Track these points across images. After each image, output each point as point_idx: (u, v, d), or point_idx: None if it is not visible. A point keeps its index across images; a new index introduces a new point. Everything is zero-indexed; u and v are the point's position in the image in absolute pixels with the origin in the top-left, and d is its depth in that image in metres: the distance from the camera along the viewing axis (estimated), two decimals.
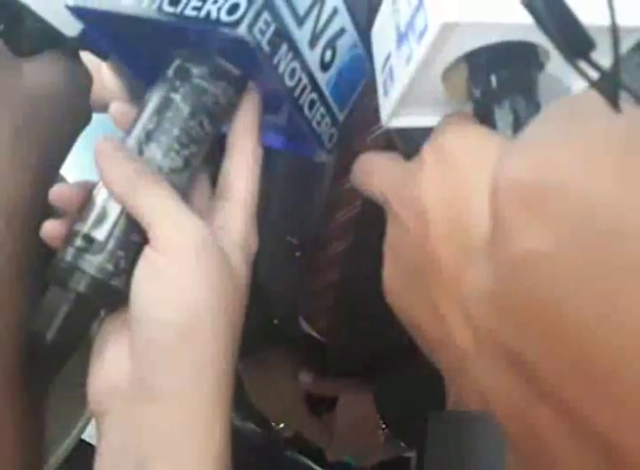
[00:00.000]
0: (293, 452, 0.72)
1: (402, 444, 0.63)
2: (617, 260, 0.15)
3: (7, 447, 0.29)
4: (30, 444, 0.31)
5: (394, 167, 0.28)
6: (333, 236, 0.52)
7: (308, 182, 0.50)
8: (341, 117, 0.35)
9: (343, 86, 0.34)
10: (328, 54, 0.32)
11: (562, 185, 0.17)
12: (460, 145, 0.25)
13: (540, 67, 0.27)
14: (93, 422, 0.45)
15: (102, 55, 0.37)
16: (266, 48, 0.29)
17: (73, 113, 0.35)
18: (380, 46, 0.30)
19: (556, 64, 0.27)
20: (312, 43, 0.31)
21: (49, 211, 0.31)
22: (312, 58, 0.31)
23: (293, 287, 0.56)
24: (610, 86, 0.19)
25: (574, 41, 0.22)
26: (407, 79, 0.27)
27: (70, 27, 0.34)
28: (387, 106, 0.30)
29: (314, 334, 0.60)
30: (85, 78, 0.36)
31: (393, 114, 0.30)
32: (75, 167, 0.41)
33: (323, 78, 0.33)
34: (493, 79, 0.26)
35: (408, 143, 0.30)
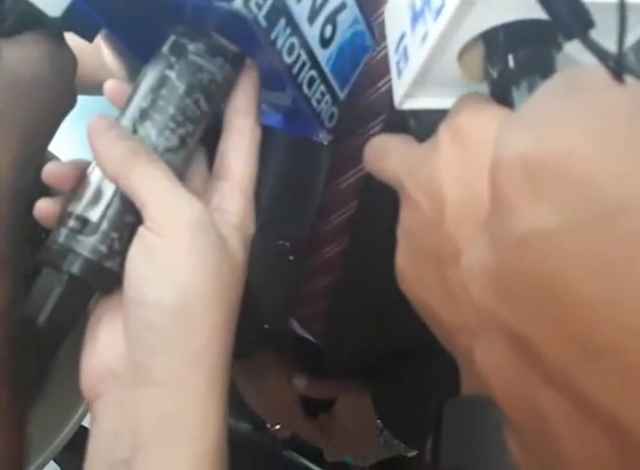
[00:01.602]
0: (290, 452, 0.71)
1: (402, 444, 0.62)
2: (623, 236, 0.15)
3: None
4: (10, 435, 0.30)
5: (408, 149, 0.27)
6: (327, 238, 0.50)
7: (302, 183, 0.48)
8: (342, 95, 0.34)
9: (345, 63, 0.33)
10: (328, 30, 0.31)
11: (564, 158, 0.16)
12: (476, 126, 0.24)
13: (558, 46, 0.26)
14: None
15: (87, 36, 0.35)
16: (263, 22, 0.28)
17: (57, 95, 0.34)
18: (393, 26, 0.29)
19: (574, 43, 0.26)
20: (311, 18, 0.30)
21: (34, 195, 0.31)
22: (311, 33, 0.30)
23: (285, 292, 0.54)
24: (614, 59, 0.18)
25: (575, 19, 0.21)
26: (422, 59, 0.26)
27: (54, 8, 0.32)
28: (400, 87, 0.29)
29: (308, 337, 0.59)
30: (69, 60, 0.35)
31: (407, 95, 0.29)
32: (74, 150, 0.40)
33: (323, 55, 0.32)
34: (511, 59, 0.25)
35: (422, 126, 0.30)
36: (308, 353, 0.62)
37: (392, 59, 0.29)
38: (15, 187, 0.30)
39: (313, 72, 0.31)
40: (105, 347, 0.29)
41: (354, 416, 0.63)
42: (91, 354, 0.29)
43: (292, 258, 0.52)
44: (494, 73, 0.26)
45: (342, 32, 0.32)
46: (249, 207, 0.31)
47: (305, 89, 0.31)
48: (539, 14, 0.24)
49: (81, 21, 0.34)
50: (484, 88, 0.27)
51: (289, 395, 0.65)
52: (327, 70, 0.32)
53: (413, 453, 0.63)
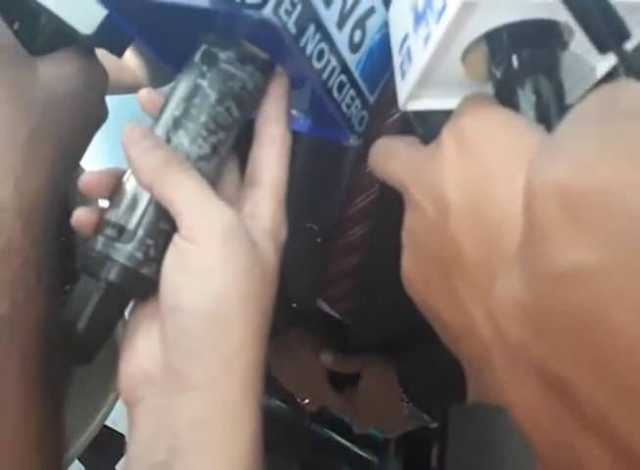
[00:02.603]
0: (319, 426, 0.74)
1: (425, 416, 0.64)
2: None
3: (26, 447, 0.29)
4: (50, 443, 0.31)
5: (412, 152, 0.27)
6: (352, 221, 0.52)
7: (329, 168, 0.50)
8: (371, 99, 0.34)
9: (374, 67, 0.33)
10: (357, 34, 0.31)
11: (605, 190, 0.15)
12: (480, 128, 0.24)
13: (563, 46, 0.26)
14: (116, 408, 0.45)
15: (116, 51, 0.36)
16: (293, 29, 0.28)
17: (90, 110, 0.34)
18: (397, 27, 0.29)
19: (580, 42, 0.26)
20: (340, 23, 0.30)
21: (66, 209, 0.31)
22: (341, 39, 0.31)
23: (313, 273, 0.56)
24: None
25: (609, 32, 0.20)
26: (425, 61, 0.26)
27: (86, 25, 0.33)
28: (404, 89, 0.29)
29: (335, 315, 0.61)
30: (101, 76, 0.36)
31: (411, 96, 0.29)
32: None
33: (352, 60, 0.32)
34: (515, 59, 0.25)
35: (426, 127, 0.29)
36: (335, 330, 0.64)
37: (396, 60, 0.29)
38: (50, 199, 0.31)
39: (343, 77, 0.31)
40: (142, 353, 0.29)
41: (379, 389, 0.65)
42: (129, 360, 0.29)
43: (319, 240, 0.53)
44: (498, 74, 0.26)
45: (372, 36, 0.32)
46: (280, 213, 0.31)
47: (335, 94, 0.32)
48: (543, 13, 0.24)
49: (111, 37, 0.34)
50: (489, 89, 0.27)
51: (317, 370, 0.67)
52: (356, 74, 0.32)
53: (436, 425, 0.65)
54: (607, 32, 0.21)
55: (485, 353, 0.21)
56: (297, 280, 0.57)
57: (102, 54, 0.37)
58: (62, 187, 0.31)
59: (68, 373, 0.45)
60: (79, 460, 0.60)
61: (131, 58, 0.69)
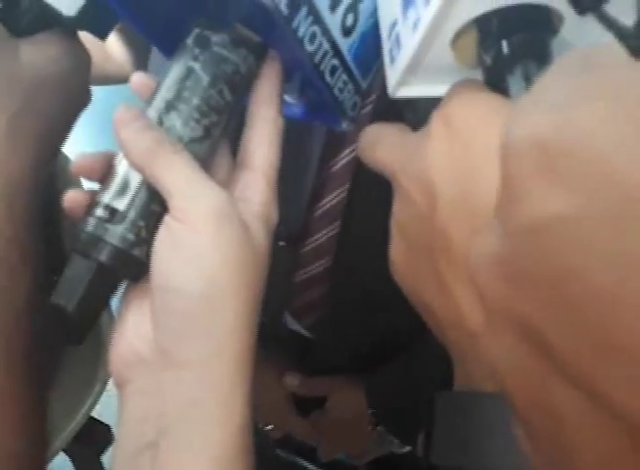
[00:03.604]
0: (284, 452, 0.69)
1: (396, 440, 0.61)
2: None
3: (8, 432, 0.29)
4: (34, 429, 0.31)
5: (402, 139, 0.27)
6: (321, 223, 0.49)
7: (295, 168, 0.47)
8: (364, 84, 0.34)
9: (367, 52, 0.33)
10: (350, 18, 0.31)
11: (581, 141, 0.15)
12: (469, 114, 0.23)
13: (553, 31, 0.26)
14: (101, 400, 0.45)
15: (99, 34, 0.36)
16: (285, 11, 0.28)
17: (72, 94, 0.34)
18: (385, 13, 0.29)
19: (570, 28, 0.25)
20: (333, 7, 0.30)
21: (51, 192, 0.31)
22: (333, 22, 0.31)
23: (278, 281, 0.50)
24: (633, 34, 0.18)
25: None
26: (415, 46, 0.26)
27: (69, 7, 0.33)
28: (393, 75, 0.28)
29: (302, 330, 0.57)
30: (84, 58, 0.36)
31: (401, 83, 0.29)
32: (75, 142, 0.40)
33: (345, 44, 0.32)
34: (505, 45, 0.25)
35: (416, 113, 0.29)
36: (301, 349, 0.60)
37: (385, 46, 0.29)
38: (35, 180, 0.31)
39: (335, 61, 0.32)
40: (133, 333, 0.29)
41: (347, 412, 0.62)
42: (119, 341, 0.29)
43: (283, 243, 0.50)
44: (488, 60, 0.26)
45: (364, 21, 0.32)
46: (272, 196, 0.31)
47: (328, 78, 0.32)
48: None
49: (94, 19, 0.34)
50: (479, 75, 0.26)
51: (280, 393, 0.63)
52: (349, 58, 0.32)
53: (406, 450, 0.61)
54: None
55: (471, 342, 0.21)
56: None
57: (87, 44, 0.37)
58: (45, 169, 0.31)
59: (55, 364, 0.45)
60: (65, 451, 0.60)
61: (117, 49, 0.69)
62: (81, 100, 0.35)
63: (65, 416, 0.44)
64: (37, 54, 0.32)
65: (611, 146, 0.15)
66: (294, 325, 0.58)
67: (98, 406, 0.47)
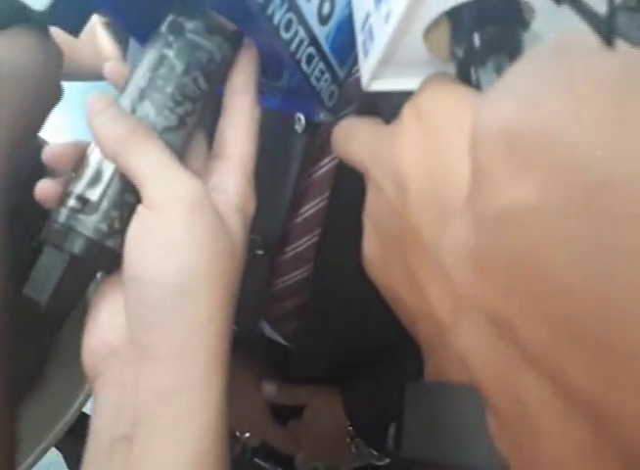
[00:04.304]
0: (260, 462, 0.68)
1: (373, 452, 0.60)
2: (604, 213, 0.14)
3: None
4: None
5: (374, 132, 0.27)
6: (300, 231, 0.48)
7: (274, 175, 0.46)
8: (341, 73, 0.34)
9: (344, 42, 0.33)
10: (326, 6, 0.31)
11: (548, 131, 0.15)
12: (439, 107, 0.23)
13: (525, 25, 0.25)
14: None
15: (72, 31, 0.35)
16: None
17: (43, 88, 0.34)
18: (359, 5, 0.29)
19: (541, 22, 0.25)
20: None
21: (27, 183, 0.31)
22: (309, 10, 0.30)
23: (254, 290, 0.51)
24: (604, 22, 0.17)
25: None
26: (387, 39, 0.25)
27: (39, 1, 0.32)
28: (367, 69, 0.28)
29: (279, 339, 0.57)
30: (55, 54, 0.35)
31: (374, 77, 0.28)
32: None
33: (321, 32, 0.31)
34: (476, 38, 0.25)
35: (389, 107, 0.29)
36: (278, 357, 0.59)
37: (359, 39, 0.29)
38: (7, 175, 0.31)
39: (312, 49, 0.31)
40: (106, 325, 0.29)
41: (325, 422, 0.61)
42: (93, 333, 0.29)
43: (261, 252, 0.49)
44: (460, 53, 0.25)
45: (341, 10, 0.32)
46: (248, 186, 0.31)
47: (304, 66, 0.31)
48: None
49: (66, 15, 0.34)
50: (452, 68, 0.26)
51: (257, 401, 0.62)
52: (326, 47, 0.32)
53: (386, 462, 0.60)
54: None
55: (440, 333, 0.21)
56: (237, 298, 0.53)
57: (74, 40, 0.36)
58: (18, 163, 0.31)
59: (45, 359, 0.45)
60: (56, 447, 0.59)
61: (107, 45, 0.68)
62: (52, 96, 0.35)
63: (57, 411, 0.43)
64: (6, 49, 0.32)
65: (576, 134, 0.15)
66: (271, 334, 0.57)
67: (90, 402, 0.46)
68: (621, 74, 0.16)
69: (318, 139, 0.44)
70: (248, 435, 0.65)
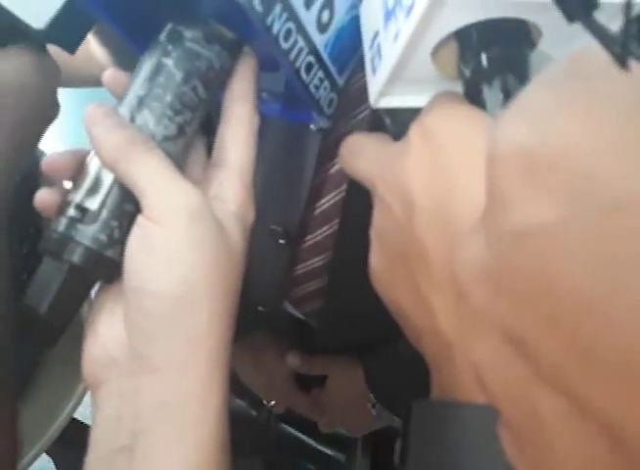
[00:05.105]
0: (286, 427, 0.73)
1: (394, 417, 0.63)
2: (621, 234, 0.14)
3: None
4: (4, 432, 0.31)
5: (382, 149, 0.27)
6: (319, 222, 0.51)
7: (292, 169, 0.49)
8: (340, 81, 0.34)
9: (343, 49, 0.33)
10: (325, 15, 0.31)
11: (564, 151, 0.15)
12: (446, 126, 0.23)
13: (532, 45, 0.26)
14: (84, 401, 0.45)
15: (68, 48, 0.35)
16: (259, 8, 0.28)
17: (41, 107, 0.34)
18: (368, 23, 0.29)
19: (548, 42, 0.26)
20: (308, 3, 0.30)
21: (23, 194, 0.31)
22: (308, 19, 0.30)
23: (277, 275, 0.55)
24: (618, 43, 0.17)
25: (577, 2, 0.20)
26: (395, 57, 0.26)
27: (38, 20, 0.32)
28: (375, 86, 0.29)
29: (302, 317, 0.60)
30: (52, 71, 0.35)
31: (382, 93, 0.29)
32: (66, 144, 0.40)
33: (321, 40, 0.31)
34: (484, 58, 0.25)
35: (397, 124, 0.29)
36: (302, 332, 0.64)
37: (367, 56, 0.29)
38: (6, 190, 0.31)
39: (311, 58, 0.31)
40: (106, 335, 0.29)
41: (346, 390, 0.65)
42: (93, 343, 0.29)
43: (282, 241, 0.52)
44: (467, 72, 0.26)
45: (340, 18, 0.32)
46: (247, 194, 0.31)
47: (303, 75, 0.31)
48: (512, 12, 0.24)
49: (64, 33, 0.34)
50: (460, 87, 0.27)
51: (283, 372, 0.67)
52: (325, 55, 0.32)
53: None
54: (576, 2, 0.21)
55: (445, 350, 0.21)
56: (262, 283, 0.57)
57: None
58: (12, 181, 0.31)
59: (36, 365, 0.44)
60: (47, 453, 0.59)
61: (99, 50, 0.68)
62: (50, 111, 0.35)
63: (47, 417, 0.43)
64: (5, 67, 0.32)
65: (593, 154, 0.15)
66: (295, 313, 0.61)
67: (81, 408, 0.46)
68: (635, 96, 0.16)
69: (333, 137, 0.46)
70: (273, 403, 0.70)
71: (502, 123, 0.18)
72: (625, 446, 0.15)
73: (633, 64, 0.17)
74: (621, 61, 0.17)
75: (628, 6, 0.18)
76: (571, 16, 0.22)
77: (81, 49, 0.38)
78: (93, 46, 0.61)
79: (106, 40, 0.54)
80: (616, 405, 0.15)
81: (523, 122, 0.17)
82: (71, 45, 0.35)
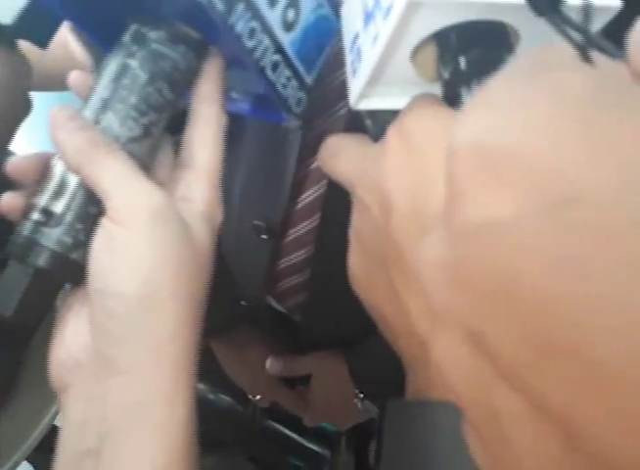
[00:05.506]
0: (271, 422, 0.73)
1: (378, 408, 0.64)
2: (576, 228, 0.14)
3: None
4: None
5: (360, 151, 0.27)
6: (301, 216, 0.51)
7: (274, 165, 0.49)
8: (309, 79, 0.34)
9: (310, 47, 0.33)
10: (290, 14, 0.31)
11: (520, 145, 0.15)
12: (422, 127, 0.23)
13: (510, 48, 0.26)
14: None
15: (39, 43, 0.35)
16: (220, 7, 0.28)
17: (11, 102, 0.34)
18: (348, 25, 0.29)
19: (526, 45, 0.26)
20: (272, 2, 0.30)
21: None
22: (273, 17, 0.30)
23: (261, 270, 0.56)
24: (580, 36, 0.17)
25: None
26: (375, 60, 0.26)
27: (4, 14, 0.32)
28: (355, 88, 0.29)
29: (285, 311, 0.60)
30: (22, 67, 0.35)
31: (362, 95, 0.29)
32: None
33: (286, 39, 0.31)
34: (462, 61, 0.25)
35: (377, 125, 0.29)
36: (285, 326, 0.64)
37: (348, 58, 0.29)
38: None
39: (277, 57, 0.31)
40: (71, 338, 0.29)
41: (331, 388, 0.65)
42: (59, 346, 0.29)
43: (265, 236, 0.53)
44: (446, 74, 0.26)
45: (306, 16, 0.32)
46: (215, 195, 0.31)
47: (269, 74, 0.31)
48: (490, 15, 0.24)
49: (33, 28, 0.34)
50: (439, 88, 0.27)
51: (267, 370, 0.67)
52: (291, 54, 0.32)
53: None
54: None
55: (420, 349, 0.21)
56: (245, 278, 0.57)
57: (48, 50, 0.36)
58: None
59: (16, 373, 0.44)
60: (28, 460, 0.58)
61: (79, 51, 0.68)
62: (20, 109, 0.35)
63: (27, 426, 0.43)
64: None
65: (548, 148, 0.15)
66: (277, 307, 0.61)
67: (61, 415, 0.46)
68: (596, 90, 0.16)
69: (313, 133, 0.47)
70: (259, 397, 0.70)
71: (462, 118, 0.18)
72: (580, 443, 0.15)
73: (598, 56, 0.17)
74: (584, 53, 0.17)
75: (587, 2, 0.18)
76: (539, 11, 0.22)
77: (61, 52, 0.38)
78: (74, 48, 0.61)
79: (86, 41, 0.54)
80: (570, 403, 0.14)
81: (479, 117, 0.17)
82: (42, 40, 0.35)
